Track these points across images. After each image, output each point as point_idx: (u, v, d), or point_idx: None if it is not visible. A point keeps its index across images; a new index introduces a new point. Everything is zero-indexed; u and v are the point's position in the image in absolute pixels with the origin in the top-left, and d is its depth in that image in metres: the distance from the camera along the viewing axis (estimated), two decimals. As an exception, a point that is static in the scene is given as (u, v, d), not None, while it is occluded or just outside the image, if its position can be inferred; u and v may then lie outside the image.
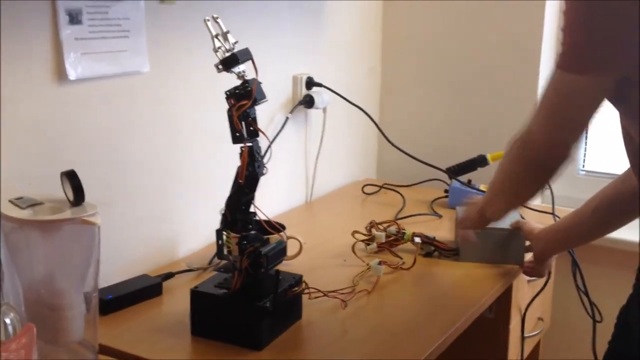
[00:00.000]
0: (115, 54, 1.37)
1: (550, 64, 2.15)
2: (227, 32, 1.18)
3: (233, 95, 1.17)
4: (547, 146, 1.17)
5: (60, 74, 1.28)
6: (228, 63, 1.17)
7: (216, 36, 1.17)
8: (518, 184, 1.30)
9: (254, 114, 1.21)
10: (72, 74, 1.29)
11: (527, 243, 1.55)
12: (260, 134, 1.20)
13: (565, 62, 1.07)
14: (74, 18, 1.28)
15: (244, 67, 1.18)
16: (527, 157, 1.23)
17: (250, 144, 1.18)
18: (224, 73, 1.18)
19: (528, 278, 1.68)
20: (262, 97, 1.20)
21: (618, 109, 1.14)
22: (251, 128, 1.19)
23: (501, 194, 1.37)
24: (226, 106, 1.19)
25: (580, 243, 1.53)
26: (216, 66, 1.17)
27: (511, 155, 1.28)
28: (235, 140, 1.18)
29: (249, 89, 1.17)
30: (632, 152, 1.18)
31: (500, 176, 1.34)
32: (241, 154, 1.18)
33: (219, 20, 1.18)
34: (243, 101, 1.16)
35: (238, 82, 1.18)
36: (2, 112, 1.20)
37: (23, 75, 1.23)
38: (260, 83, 1.20)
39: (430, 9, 2.22)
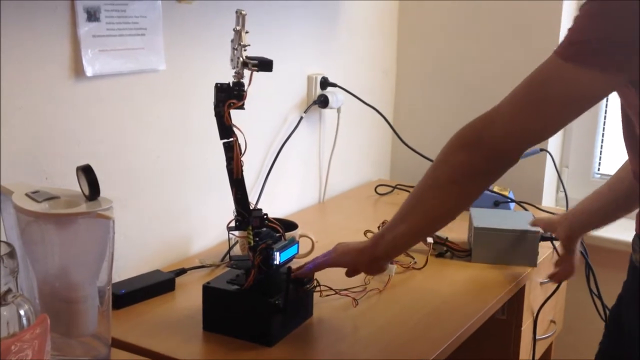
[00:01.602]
0: (132, 52, 1.39)
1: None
2: (247, 32, 1.19)
3: (226, 91, 1.18)
4: (506, 143, 1.06)
5: (78, 70, 1.30)
6: (264, 66, 1.16)
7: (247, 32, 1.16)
8: (442, 193, 1.12)
9: None
10: (89, 71, 1.31)
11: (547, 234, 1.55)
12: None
13: (575, 53, 0.98)
14: (92, 15, 1.30)
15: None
16: (470, 156, 1.09)
17: (232, 139, 1.19)
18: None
19: (541, 280, 1.68)
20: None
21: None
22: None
23: (413, 211, 1.16)
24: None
25: (605, 223, 1.45)
26: (251, 64, 1.15)
27: (442, 158, 1.12)
28: (224, 135, 1.18)
29: (243, 92, 1.17)
30: (630, 137, 1.14)
31: (418, 189, 1.17)
32: (230, 148, 1.18)
33: (246, 17, 1.18)
34: (233, 100, 1.17)
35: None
36: (19, 107, 1.22)
37: (41, 71, 1.25)
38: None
39: (446, 11, 2.21)
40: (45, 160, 1.28)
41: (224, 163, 1.20)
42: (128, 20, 1.37)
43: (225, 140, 1.18)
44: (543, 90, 1.03)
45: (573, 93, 1.01)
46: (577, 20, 1.00)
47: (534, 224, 1.56)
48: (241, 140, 1.19)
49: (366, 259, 1.22)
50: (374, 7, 2.17)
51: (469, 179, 1.11)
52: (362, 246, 1.23)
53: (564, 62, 1.00)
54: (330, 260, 1.26)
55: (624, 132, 1.16)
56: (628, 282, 1.22)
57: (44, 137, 1.27)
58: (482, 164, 1.09)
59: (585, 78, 0.99)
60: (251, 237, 1.20)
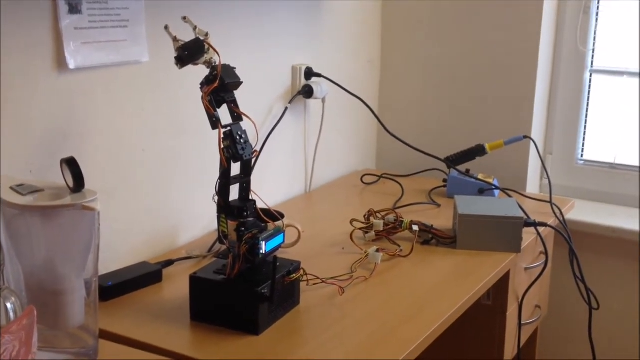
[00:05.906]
0: (115, 44, 1.38)
1: (547, 52, 2.15)
2: (195, 27, 1.22)
3: (205, 83, 1.20)
4: None
5: (60, 63, 1.30)
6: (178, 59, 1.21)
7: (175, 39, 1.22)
8: None
9: (232, 97, 1.23)
10: (72, 63, 1.30)
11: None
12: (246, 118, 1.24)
13: None
14: (74, 8, 1.29)
15: (212, 55, 1.21)
16: None
17: (228, 128, 1.20)
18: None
19: (526, 265, 1.70)
20: (233, 79, 1.22)
21: None
22: (235, 114, 1.23)
23: None
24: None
25: None
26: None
27: None
28: (213, 125, 1.20)
29: (215, 72, 1.19)
30: None
31: None
32: (225, 136, 1.21)
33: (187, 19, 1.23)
34: (212, 85, 1.18)
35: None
36: (3, 101, 1.22)
37: (23, 64, 1.24)
38: (233, 68, 1.23)
39: (429, 1, 2.22)
40: (30, 153, 1.27)
41: (210, 153, 1.21)
42: (110, 12, 1.37)
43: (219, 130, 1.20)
44: None
45: None
46: None
47: None
48: (251, 129, 1.23)
49: None
50: (358, -3, 2.18)
51: None
52: None
53: None
54: None
55: None
56: None
57: (28, 130, 1.27)
58: None
59: None
60: (226, 222, 1.21)
